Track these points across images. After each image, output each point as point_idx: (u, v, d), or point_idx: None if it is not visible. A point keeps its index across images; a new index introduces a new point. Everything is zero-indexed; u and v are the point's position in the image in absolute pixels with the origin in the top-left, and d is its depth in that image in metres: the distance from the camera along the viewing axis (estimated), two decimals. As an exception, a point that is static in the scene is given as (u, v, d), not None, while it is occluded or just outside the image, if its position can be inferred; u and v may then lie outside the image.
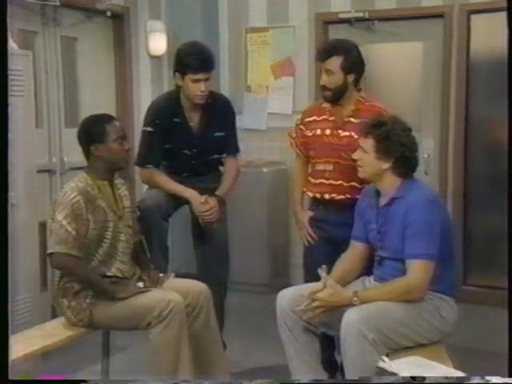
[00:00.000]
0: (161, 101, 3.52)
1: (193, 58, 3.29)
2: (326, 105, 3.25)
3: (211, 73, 3.35)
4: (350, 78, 3.14)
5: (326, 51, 3.18)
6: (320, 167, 3.24)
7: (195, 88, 3.31)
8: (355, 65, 3.15)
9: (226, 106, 3.56)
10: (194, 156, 3.47)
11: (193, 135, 3.44)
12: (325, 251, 3.19)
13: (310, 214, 3.33)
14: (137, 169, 3.63)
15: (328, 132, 3.21)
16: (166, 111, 3.41)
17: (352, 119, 3.17)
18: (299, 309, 2.70)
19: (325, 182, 3.23)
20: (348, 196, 3.18)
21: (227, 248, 3.63)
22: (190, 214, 3.50)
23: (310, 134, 3.27)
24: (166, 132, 3.40)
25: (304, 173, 3.38)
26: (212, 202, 3.39)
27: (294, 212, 3.45)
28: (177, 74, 3.35)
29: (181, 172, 3.50)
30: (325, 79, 3.16)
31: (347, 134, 3.16)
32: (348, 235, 3.13)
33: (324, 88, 3.18)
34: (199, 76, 3.29)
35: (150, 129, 3.42)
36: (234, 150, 3.61)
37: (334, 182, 3.20)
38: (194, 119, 3.44)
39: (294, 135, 3.38)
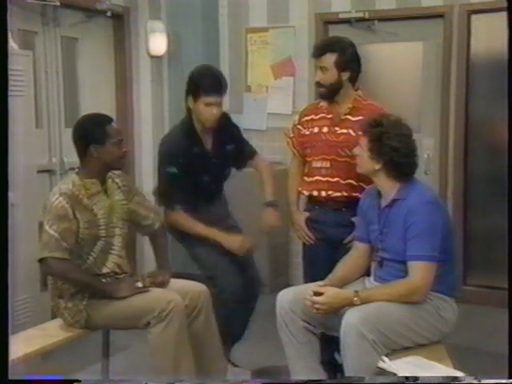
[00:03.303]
0: (178, 135, 3.37)
1: (206, 81, 3.23)
2: (323, 104, 3.26)
3: (222, 97, 3.28)
4: (345, 75, 3.14)
5: (320, 48, 3.19)
6: (316, 164, 3.23)
7: (207, 111, 3.23)
8: (350, 62, 3.15)
9: (228, 122, 3.48)
10: (210, 180, 3.39)
11: (209, 157, 3.36)
12: (323, 252, 3.19)
13: (307, 214, 3.32)
14: (137, 167, 3.61)
15: (325, 130, 3.21)
16: (186, 145, 3.29)
17: (349, 117, 3.18)
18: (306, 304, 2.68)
19: (321, 179, 3.22)
20: (344, 194, 3.17)
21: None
22: None
23: (307, 133, 3.27)
24: (189, 167, 3.28)
25: (300, 173, 3.37)
26: (247, 242, 3.38)
27: (289, 213, 3.42)
28: (189, 97, 3.27)
29: (197, 205, 3.38)
30: (319, 76, 3.17)
31: (344, 131, 3.16)
32: (345, 235, 3.14)
33: (319, 85, 3.19)
34: (211, 99, 3.21)
35: (174, 170, 3.26)
36: (254, 150, 3.57)
37: (331, 180, 3.19)
38: (208, 141, 3.38)
39: (292, 135, 3.37)
